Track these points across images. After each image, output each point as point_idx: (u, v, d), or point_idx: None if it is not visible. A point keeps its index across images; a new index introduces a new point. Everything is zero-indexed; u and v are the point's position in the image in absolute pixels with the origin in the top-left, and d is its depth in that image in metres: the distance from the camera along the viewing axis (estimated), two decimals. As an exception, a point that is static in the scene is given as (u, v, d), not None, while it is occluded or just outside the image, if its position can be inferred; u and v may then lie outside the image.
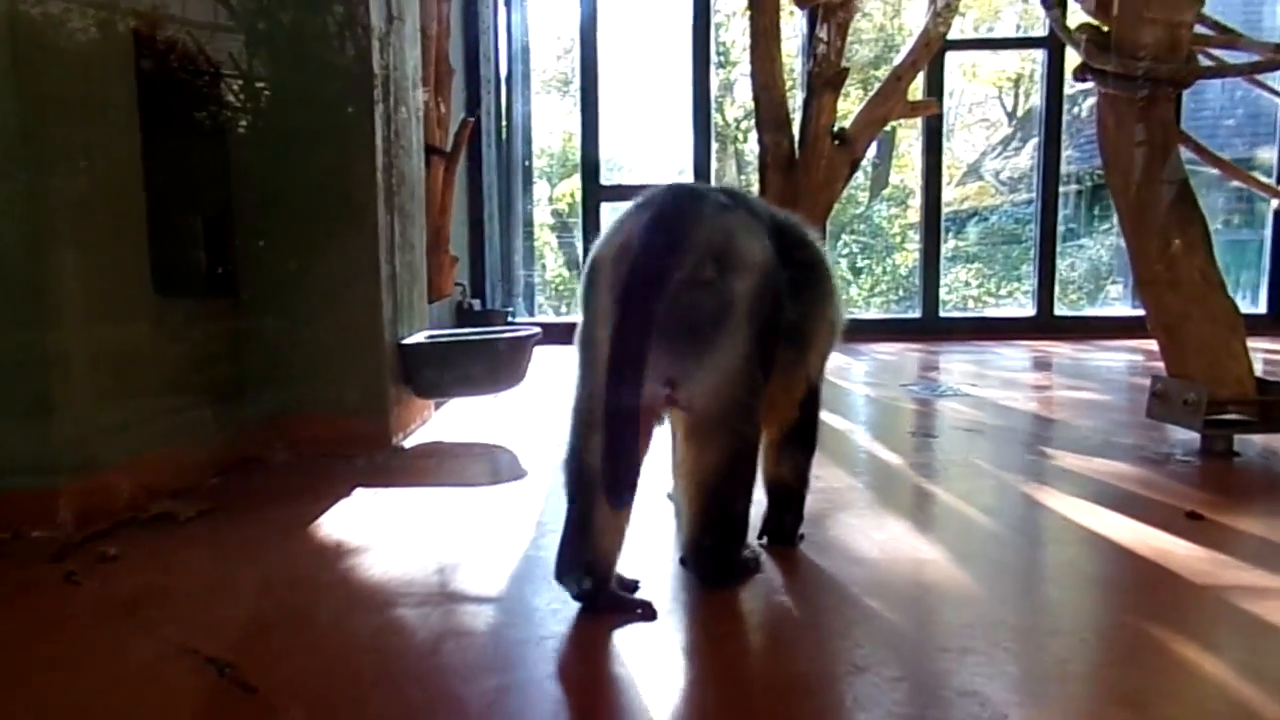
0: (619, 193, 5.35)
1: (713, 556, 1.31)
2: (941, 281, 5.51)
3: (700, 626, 1.22)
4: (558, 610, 1.25)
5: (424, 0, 3.10)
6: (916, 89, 4.64)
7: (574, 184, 6.61)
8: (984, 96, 8.99)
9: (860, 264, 8.09)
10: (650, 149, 7.84)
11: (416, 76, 2.68)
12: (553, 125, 8.10)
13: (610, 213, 5.25)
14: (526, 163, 5.85)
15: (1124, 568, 1.44)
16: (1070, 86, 5.27)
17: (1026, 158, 7.86)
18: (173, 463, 1.91)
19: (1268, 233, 5.46)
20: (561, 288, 7.49)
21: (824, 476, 1.95)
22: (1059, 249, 5.50)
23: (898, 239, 8.10)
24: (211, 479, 2.00)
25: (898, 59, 3.83)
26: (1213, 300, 2.12)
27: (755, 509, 1.35)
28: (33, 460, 1.60)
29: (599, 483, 1.16)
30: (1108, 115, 2.22)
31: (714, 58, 5.68)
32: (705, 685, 1.06)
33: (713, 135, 5.56)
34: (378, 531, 1.63)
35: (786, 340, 1.29)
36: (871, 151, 6.05)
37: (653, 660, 1.10)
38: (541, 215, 7.71)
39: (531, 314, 5.73)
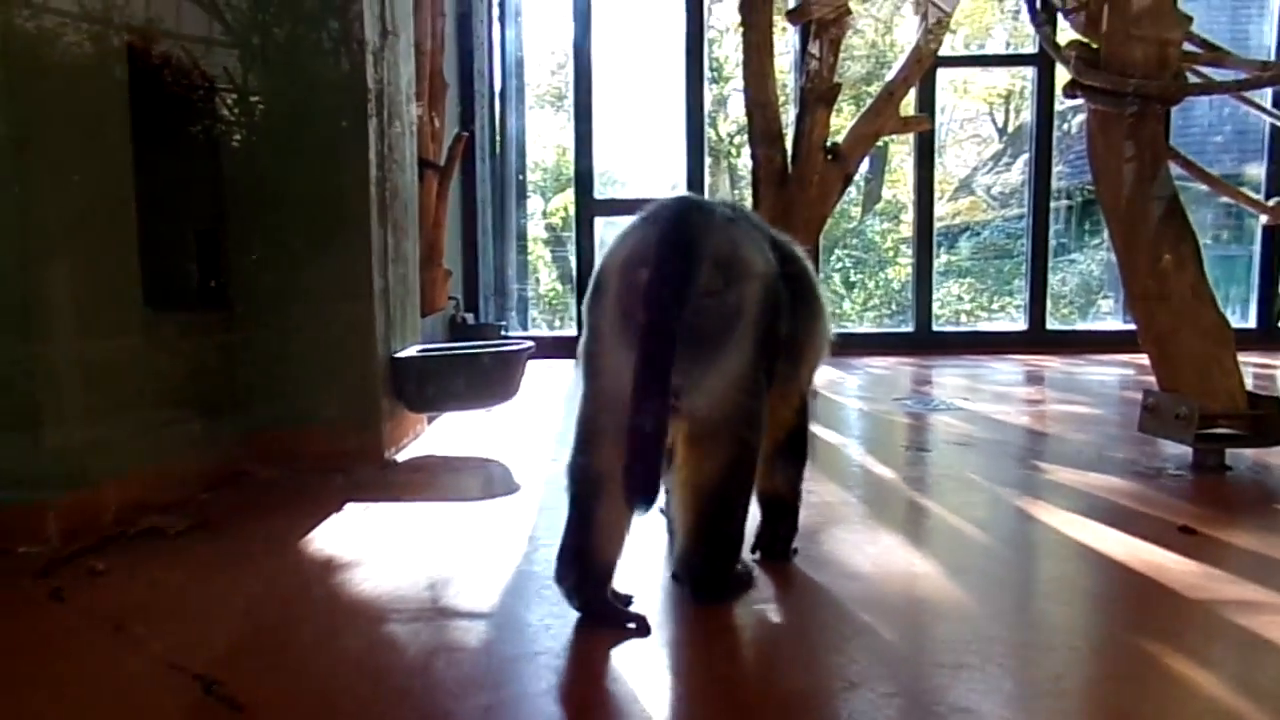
0: (612, 207, 5.36)
1: (707, 569, 1.30)
2: (934, 296, 5.53)
3: (693, 642, 1.22)
4: (550, 626, 1.24)
5: (419, 15, 3.12)
6: (908, 105, 4.66)
7: (568, 198, 6.61)
8: (975, 112, 9.05)
9: (853, 278, 8.11)
10: (644, 163, 7.87)
11: (411, 91, 2.68)
12: (546, 140, 8.12)
13: (604, 227, 5.26)
14: (520, 177, 5.86)
15: (1117, 582, 1.44)
16: (1060, 103, 5.31)
17: (1017, 173, 7.91)
18: (162, 477, 1.89)
19: (1257, 248, 5.50)
20: (555, 302, 7.49)
21: (818, 491, 1.95)
22: (1050, 264, 5.52)
23: (890, 253, 8.12)
24: (201, 494, 1.98)
25: (890, 75, 3.85)
26: (1203, 315, 2.13)
27: (748, 524, 1.35)
28: (20, 475, 1.59)
29: (609, 487, 1.18)
30: (1097, 131, 2.24)
31: (707, 73, 5.71)
32: (698, 701, 1.05)
33: (706, 150, 5.58)
34: (369, 546, 1.62)
35: (783, 351, 1.30)
36: (864, 167, 6.09)
37: (646, 676, 1.09)
38: (535, 229, 7.71)
39: (525, 328, 5.72)
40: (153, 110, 1.94)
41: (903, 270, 7.35)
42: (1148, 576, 1.42)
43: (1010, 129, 8.79)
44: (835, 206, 3.89)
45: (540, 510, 1.85)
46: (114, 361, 1.79)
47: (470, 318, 5.11)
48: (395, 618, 1.29)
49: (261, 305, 2.25)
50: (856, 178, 5.09)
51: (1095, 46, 2.24)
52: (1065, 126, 6.50)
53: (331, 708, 1.03)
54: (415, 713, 1.01)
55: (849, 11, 3.56)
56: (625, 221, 1.27)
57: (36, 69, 1.60)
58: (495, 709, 1.01)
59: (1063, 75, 2.41)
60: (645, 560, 1.49)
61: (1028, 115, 5.63)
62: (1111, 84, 2.14)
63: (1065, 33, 2.45)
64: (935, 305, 5.58)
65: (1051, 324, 5.54)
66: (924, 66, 3.83)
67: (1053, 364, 4.70)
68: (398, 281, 2.47)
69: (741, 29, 3.59)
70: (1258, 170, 5.50)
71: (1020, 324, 5.54)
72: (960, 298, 7.74)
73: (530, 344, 2.69)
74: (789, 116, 3.81)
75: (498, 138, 5.50)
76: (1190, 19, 2.19)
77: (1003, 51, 8.28)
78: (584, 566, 1.24)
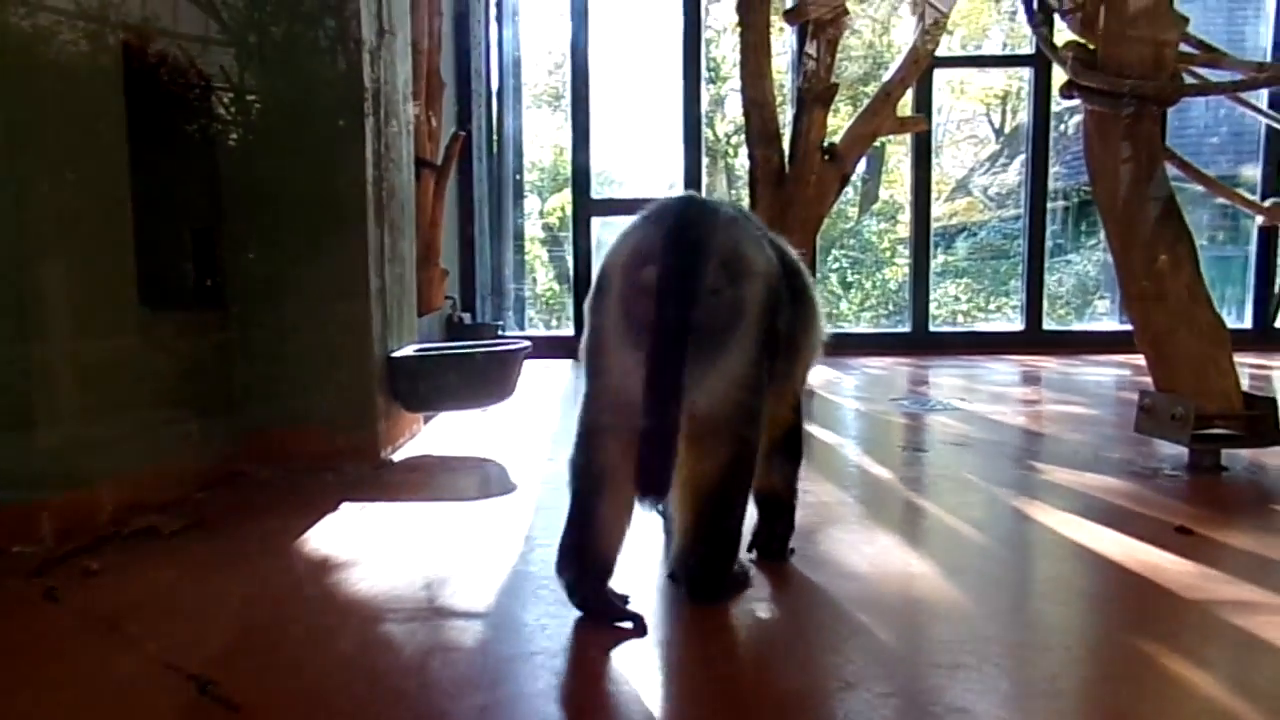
0: (610, 207, 5.36)
1: (705, 569, 1.30)
2: (931, 296, 5.54)
3: (690, 642, 1.22)
4: (546, 626, 1.24)
5: (416, 14, 3.12)
6: (905, 105, 4.66)
7: (565, 198, 6.62)
8: (972, 113, 9.06)
9: (850, 278, 8.12)
10: (641, 163, 7.87)
11: (407, 90, 2.68)
12: (543, 139, 8.12)
13: (601, 227, 5.26)
14: (517, 176, 5.86)
15: (1113, 582, 1.44)
16: (1057, 104, 5.32)
17: (1014, 174, 7.92)
18: (157, 477, 1.89)
19: (1253, 249, 5.51)
20: (552, 301, 7.49)
21: (814, 491, 1.95)
22: (1047, 264, 5.54)
23: (887, 254, 8.14)
24: (197, 493, 1.97)
25: (887, 75, 3.85)
26: (1199, 315, 2.14)
27: (745, 524, 1.35)
28: (14, 474, 1.58)
29: (610, 485, 1.20)
30: (1094, 132, 2.24)
31: (704, 73, 5.72)
32: (695, 701, 1.05)
33: (703, 150, 5.58)
34: (364, 546, 1.62)
35: (782, 350, 1.30)
36: (861, 167, 6.10)
37: (642, 676, 1.09)
38: (532, 229, 7.72)
39: (522, 328, 5.72)
40: (149, 109, 1.93)
41: (899, 270, 7.37)
42: (1144, 577, 1.42)
43: (1007, 130, 8.80)
44: (832, 207, 3.89)
45: (537, 510, 1.85)
46: (109, 361, 1.78)
47: (467, 317, 5.11)
48: (391, 617, 1.29)
49: (257, 304, 2.24)
50: (854, 178, 5.09)
51: (1092, 47, 2.25)
52: (1062, 127, 6.52)
53: (327, 708, 1.03)
54: (411, 713, 1.01)
55: (846, 12, 3.56)
56: (622, 221, 1.27)
57: (32, 67, 1.60)
58: (491, 709, 1.01)
59: (1059, 76, 2.41)
60: (642, 560, 1.49)
61: (1024, 116, 5.63)
62: (1108, 85, 2.15)
63: (1062, 33, 2.45)
64: (932, 305, 5.58)
65: (1048, 324, 5.55)
66: (921, 67, 3.84)
67: (1049, 364, 4.71)
68: (394, 281, 2.46)
69: (739, 29, 3.59)
70: (1253, 171, 5.51)
71: (1017, 324, 5.54)
72: (957, 298, 7.75)
73: (527, 343, 2.68)
74: (786, 116, 3.81)
75: (495, 137, 5.49)
76: (1186, 20, 2.19)
77: (1000, 52, 8.30)
78: (583, 562, 1.25)
